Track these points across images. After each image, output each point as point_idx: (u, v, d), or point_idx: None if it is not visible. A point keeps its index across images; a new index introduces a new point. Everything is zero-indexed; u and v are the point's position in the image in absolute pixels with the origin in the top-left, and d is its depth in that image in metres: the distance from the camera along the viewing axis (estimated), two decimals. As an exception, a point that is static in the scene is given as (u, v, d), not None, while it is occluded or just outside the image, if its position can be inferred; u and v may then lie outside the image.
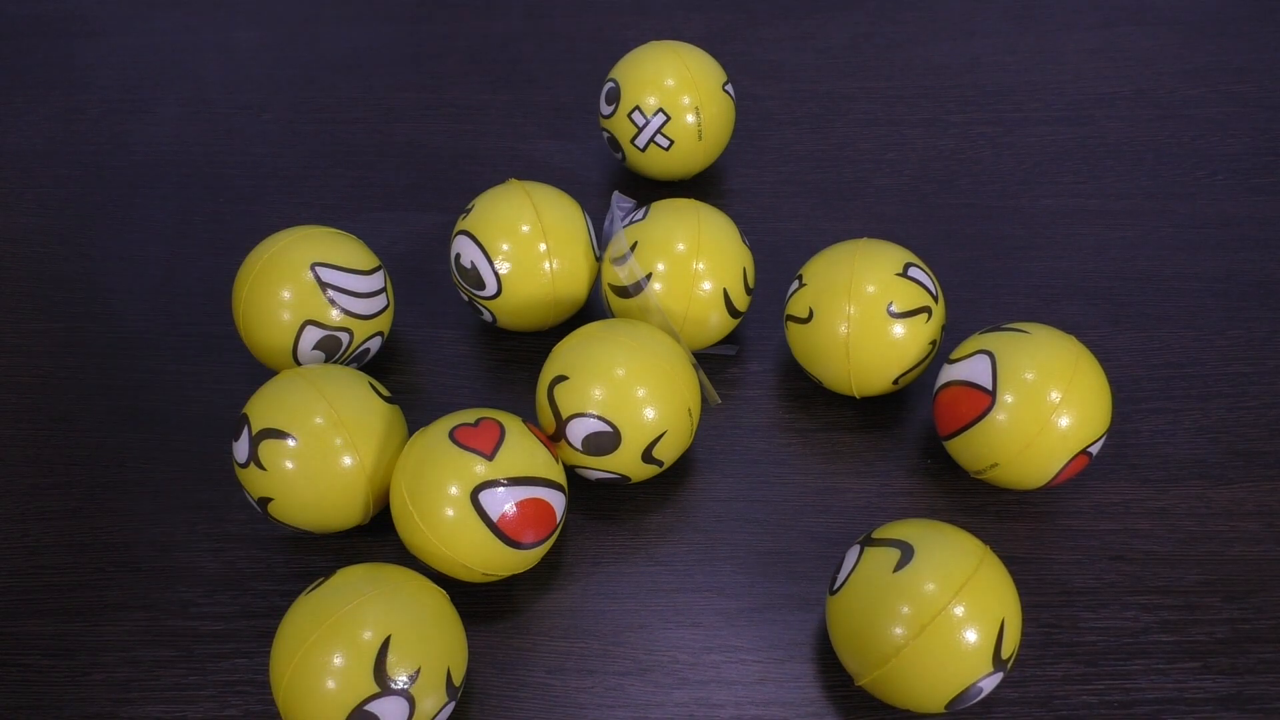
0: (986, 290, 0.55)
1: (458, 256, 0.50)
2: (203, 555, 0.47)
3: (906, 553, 0.39)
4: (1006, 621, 0.38)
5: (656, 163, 0.57)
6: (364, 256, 0.49)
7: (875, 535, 0.41)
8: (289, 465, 0.42)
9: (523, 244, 0.48)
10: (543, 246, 0.49)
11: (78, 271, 0.58)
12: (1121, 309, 0.54)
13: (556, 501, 0.42)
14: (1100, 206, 0.59)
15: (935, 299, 0.47)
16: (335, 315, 0.47)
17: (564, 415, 0.44)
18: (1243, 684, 0.42)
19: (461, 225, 0.50)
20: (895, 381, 0.47)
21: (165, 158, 0.64)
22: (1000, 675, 0.38)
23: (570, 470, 0.46)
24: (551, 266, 0.49)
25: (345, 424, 0.42)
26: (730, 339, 0.52)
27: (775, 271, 0.55)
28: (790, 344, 0.50)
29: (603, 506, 0.48)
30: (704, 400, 0.48)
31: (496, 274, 0.49)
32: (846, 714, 0.42)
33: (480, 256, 0.49)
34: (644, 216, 0.49)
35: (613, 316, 0.51)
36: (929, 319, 0.46)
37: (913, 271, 0.46)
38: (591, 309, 0.55)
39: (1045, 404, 0.42)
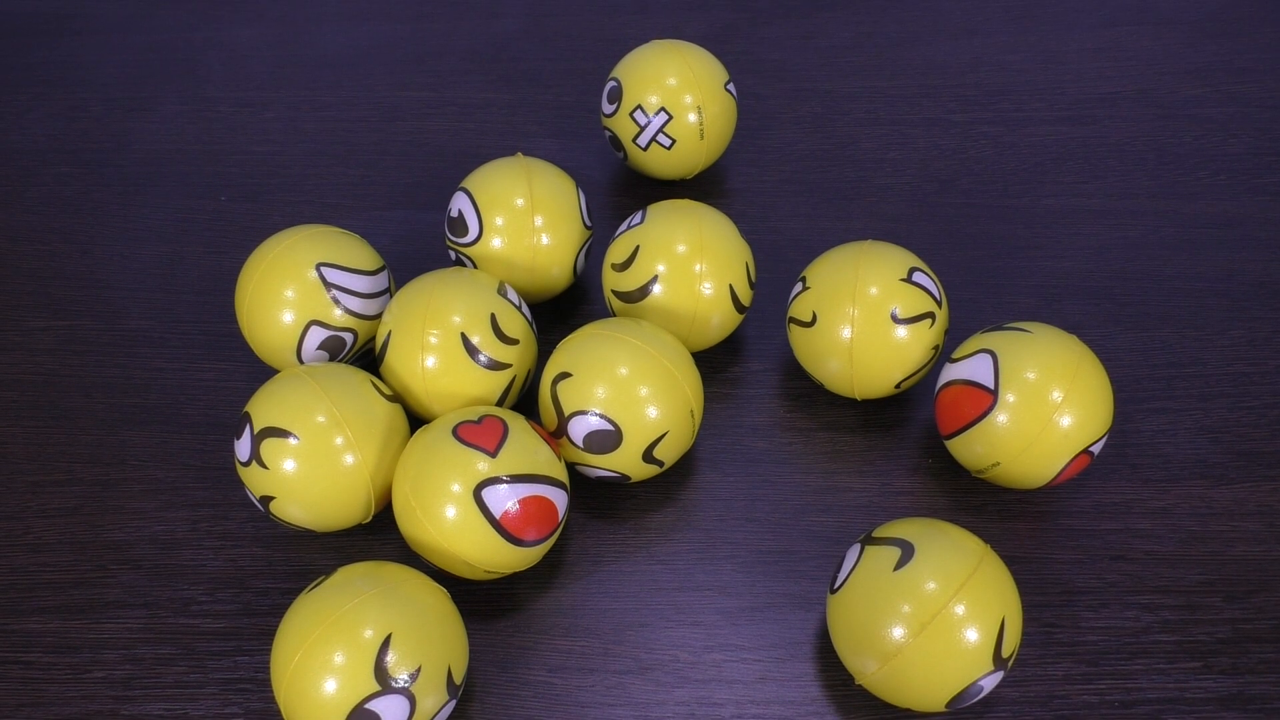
0: (988, 290, 0.55)
1: (449, 213, 0.52)
2: (204, 553, 0.47)
3: (907, 551, 0.39)
4: (1007, 620, 0.38)
5: (658, 162, 0.57)
6: (368, 256, 0.49)
7: (876, 534, 0.41)
8: (291, 464, 0.42)
9: (509, 200, 0.50)
10: (522, 201, 0.50)
11: (79, 269, 0.58)
12: (1123, 309, 0.54)
13: (559, 499, 0.43)
14: (1102, 206, 0.59)
15: (939, 304, 0.47)
16: (339, 315, 0.47)
17: (566, 412, 0.44)
18: (1244, 684, 0.42)
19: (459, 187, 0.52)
20: (897, 385, 0.47)
21: (166, 155, 0.64)
22: (1001, 674, 0.38)
23: (570, 467, 0.46)
24: (537, 224, 0.50)
25: (347, 423, 0.42)
26: (732, 338, 0.52)
27: (776, 271, 0.55)
28: (792, 346, 0.50)
29: (604, 505, 0.48)
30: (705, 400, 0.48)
31: (480, 219, 0.50)
32: (847, 713, 0.42)
33: (468, 204, 0.50)
34: (641, 220, 0.49)
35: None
36: (932, 324, 0.46)
37: (917, 276, 0.46)
38: (595, 309, 0.55)
39: (1047, 403, 0.42)
